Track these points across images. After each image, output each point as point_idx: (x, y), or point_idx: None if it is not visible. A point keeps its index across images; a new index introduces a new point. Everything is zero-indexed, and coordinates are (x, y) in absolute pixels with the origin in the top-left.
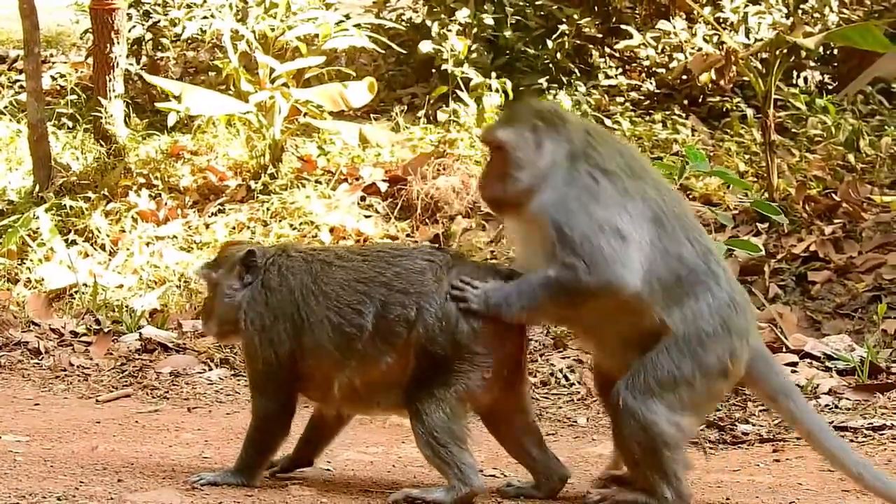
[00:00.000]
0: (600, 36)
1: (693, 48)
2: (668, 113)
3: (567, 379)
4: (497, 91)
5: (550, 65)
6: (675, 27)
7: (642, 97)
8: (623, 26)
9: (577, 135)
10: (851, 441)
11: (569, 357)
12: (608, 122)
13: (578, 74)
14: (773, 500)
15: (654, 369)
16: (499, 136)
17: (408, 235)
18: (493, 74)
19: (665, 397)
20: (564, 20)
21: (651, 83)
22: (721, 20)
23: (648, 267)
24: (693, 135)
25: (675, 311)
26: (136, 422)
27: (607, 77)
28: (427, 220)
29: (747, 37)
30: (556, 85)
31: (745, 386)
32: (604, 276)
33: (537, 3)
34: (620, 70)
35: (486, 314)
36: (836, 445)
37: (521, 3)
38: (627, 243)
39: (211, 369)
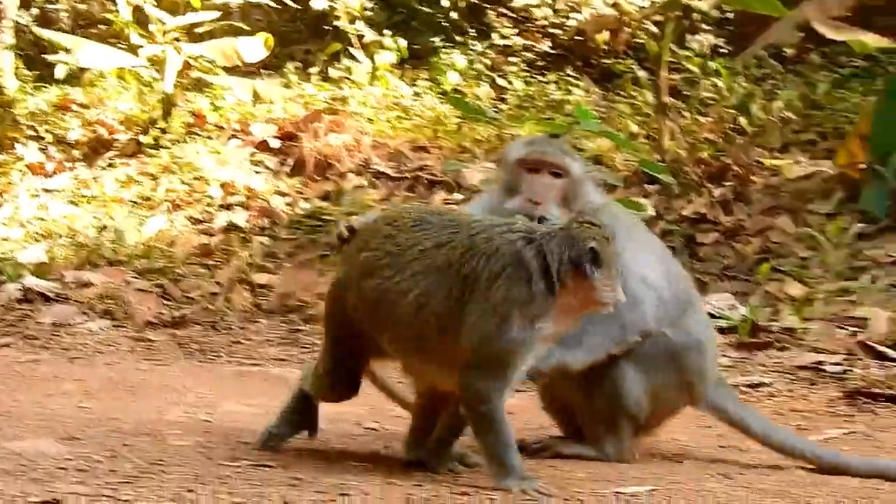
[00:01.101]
0: None
1: (589, 9)
2: (561, 73)
3: None
4: (390, 49)
5: (445, 23)
6: None
7: (536, 57)
8: None
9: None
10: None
11: None
12: (502, 81)
13: (473, 33)
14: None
15: (653, 347)
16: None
17: (298, 192)
18: (387, 32)
19: (651, 374)
20: None
21: (546, 43)
22: None
23: (657, 304)
24: (586, 96)
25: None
26: (16, 371)
27: (502, 37)
28: (318, 177)
29: None
30: (450, 44)
31: None
32: (644, 323)
33: None
34: (515, 30)
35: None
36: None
37: None
38: (651, 289)
39: (92, 320)
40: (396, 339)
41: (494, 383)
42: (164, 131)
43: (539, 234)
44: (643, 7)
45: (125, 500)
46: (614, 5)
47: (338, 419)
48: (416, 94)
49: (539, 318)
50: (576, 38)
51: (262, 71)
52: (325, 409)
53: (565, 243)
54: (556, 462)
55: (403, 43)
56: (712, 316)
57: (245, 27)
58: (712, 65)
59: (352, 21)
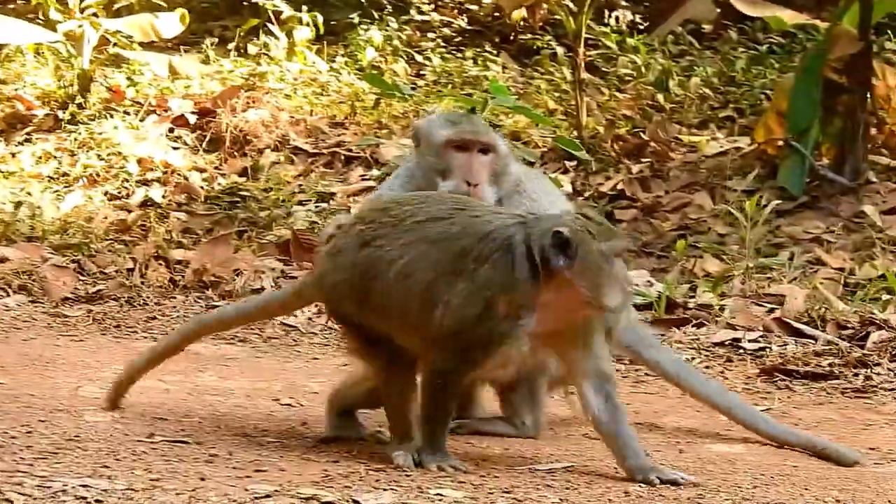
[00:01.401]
0: None
1: None
2: (479, 50)
3: None
4: (308, 24)
5: None
6: None
7: (454, 33)
8: None
9: None
10: (647, 374)
11: None
12: (419, 57)
13: (391, 9)
14: None
15: None
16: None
17: (216, 168)
18: (304, 8)
19: None
20: None
21: (463, 19)
22: None
23: None
24: (503, 72)
25: None
26: None
27: (420, 12)
28: (236, 153)
29: None
30: (367, 20)
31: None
32: None
33: None
34: (433, 6)
35: None
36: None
37: None
38: None
39: (8, 296)
40: (380, 309)
41: (463, 365)
42: (81, 107)
43: (532, 219)
44: None
45: (41, 476)
46: None
47: (255, 395)
48: (334, 70)
49: (522, 310)
50: (493, 14)
51: (179, 47)
52: (242, 384)
53: (548, 228)
54: (473, 439)
55: (321, 19)
56: None
57: (162, 3)
58: (630, 41)
59: None
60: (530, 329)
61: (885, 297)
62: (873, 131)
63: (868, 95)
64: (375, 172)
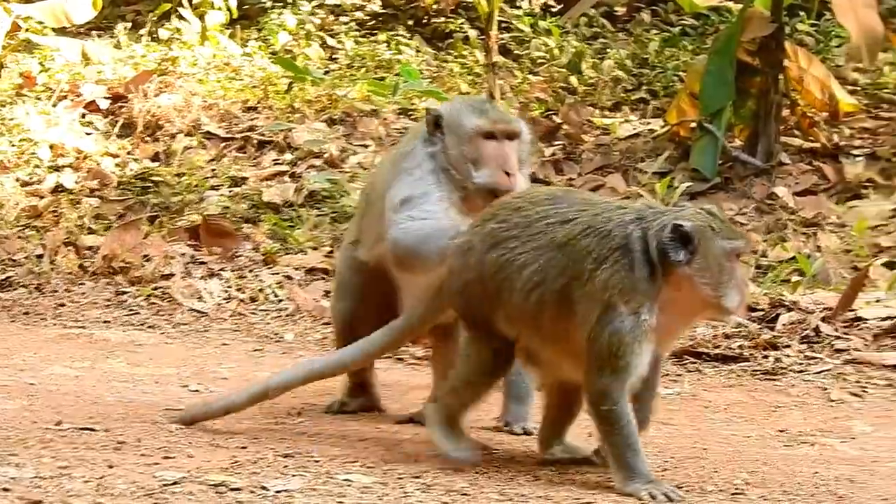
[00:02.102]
0: None
1: None
2: (392, 33)
3: (276, 295)
4: (220, 9)
5: None
6: None
7: (367, 17)
8: None
9: None
10: None
11: (278, 273)
12: (332, 41)
13: None
14: None
15: None
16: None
17: (128, 153)
18: None
19: None
20: None
21: (376, 3)
22: None
23: None
24: (417, 55)
25: None
26: None
27: None
28: (148, 138)
29: None
30: (280, 4)
31: None
32: None
33: None
34: None
35: None
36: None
37: None
38: None
39: None
40: (513, 317)
41: (612, 381)
42: None
43: (651, 213)
44: None
45: None
46: None
47: (164, 381)
48: (247, 54)
49: (643, 307)
50: None
51: (92, 32)
52: (150, 371)
53: (667, 223)
54: (382, 423)
55: (234, 3)
56: None
57: None
58: (543, 24)
59: None
60: (654, 326)
61: (795, 278)
62: (786, 113)
63: (780, 77)
64: (288, 157)
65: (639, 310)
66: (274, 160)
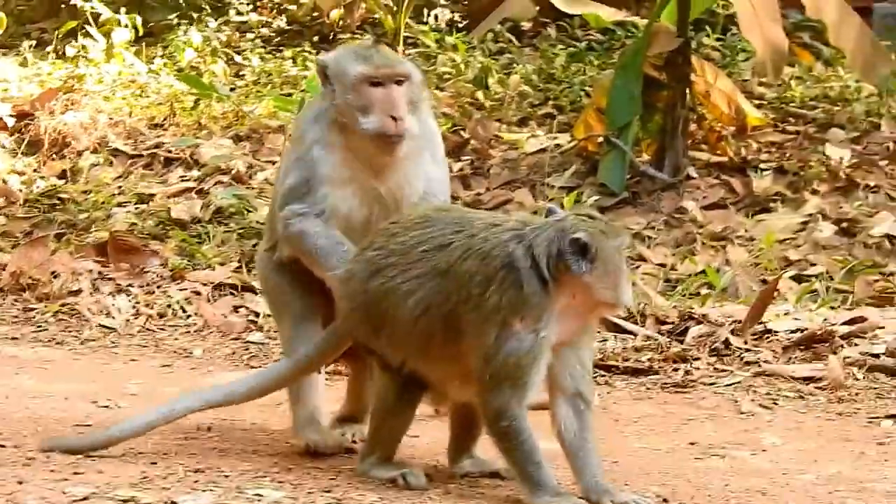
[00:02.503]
0: None
1: None
2: (298, 50)
3: (184, 311)
4: (126, 26)
5: (181, 0)
6: None
7: (273, 34)
8: None
9: None
10: None
11: (186, 289)
12: (239, 58)
13: (209, 10)
14: None
15: None
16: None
17: (34, 171)
18: (123, 10)
19: None
20: None
21: (282, 20)
22: None
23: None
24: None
25: None
26: None
27: (238, 13)
28: (55, 156)
29: None
30: (186, 21)
31: None
32: None
33: None
34: (251, 6)
35: None
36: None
37: None
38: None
39: None
40: (399, 344)
41: (510, 399)
42: None
43: (529, 230)
44: None
45: None
46: None
47: (73, 397)
48: (153, 71)
49: (539, 322)
50: (312, 14)
51: None
52: (60, 387)
53: (554, 236)
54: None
55: (139, 20)
56: None
57: None
58: (449, 39)
59: None
60: (552, 339)
61: (704, 291)
62: (693, 127)
63: (687, 91)
64: (195, 173)
65: (536, 326)
66: (181, 177)
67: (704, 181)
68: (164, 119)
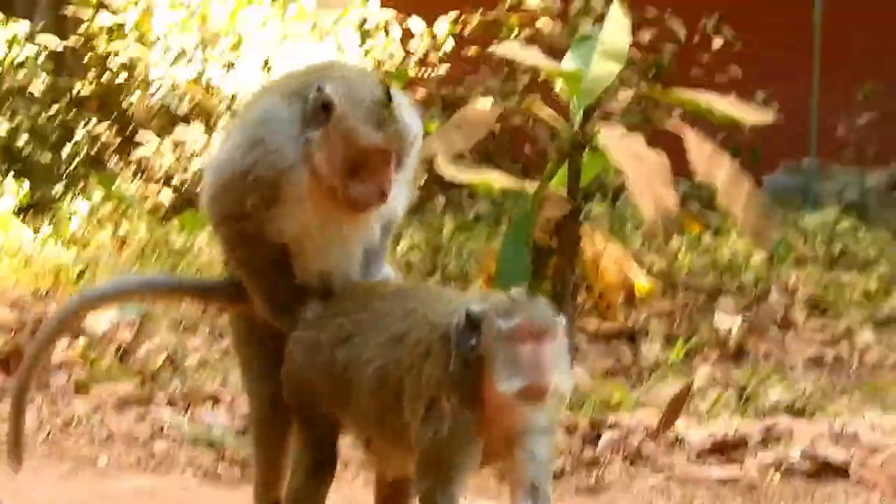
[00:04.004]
0: (118, 143)
1: (210, 155)
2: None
3: (89, 421)
4: (13, 194)
5: (67, 171)
6: (193, 133)
7: (160, 204)
8: (140, 134)
9: None
10: None
11: (91, 403)
12: (126, 227)
13: (96, 182)
14: None
15: None
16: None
17: None
18: (10, 177)
19: None
20: (82, 126)
21: (168, 191)
22: None
23: None
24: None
25: None
26: None
27: (124, 184)
28: None
29: None
30: (72, 191)
31: None
32: None
33: (51, 113)
34: (139, 176)
35: None
36: None
37: (37, 112)
38: None
39: None
40: (359, 417)
41: (436, 479)
42: None
43: (471, 300)
44: None
45: None
46: None
47: None
48: (39, 240)
49: (464, 402)
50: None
51: None
52: None
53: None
54: None
55: (26, 188)
56: None
57: None
58: None
59: None
60: (478, 420)
61: None
62: (583, 295)
63: (577, 258)
64: (81, 342)
65: (459, 406)
66: (62, 349)
67: (593, 348)
68: (49, 289)
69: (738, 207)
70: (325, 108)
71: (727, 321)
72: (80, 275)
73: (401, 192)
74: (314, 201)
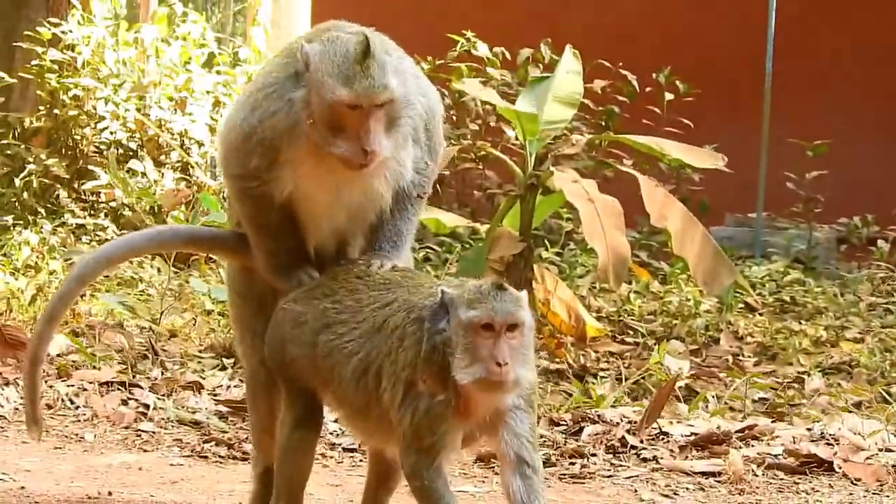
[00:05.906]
0: (67, 177)
1: (163, 188)
2: None
3: (73, 402)
4: None
5: (17, 203)
6: (144, 168)
7: (109, 237)
8: (91, 167)
9: None
10: None
11: (74, 385)
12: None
13: (45, 213)
14: None
15: None
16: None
17: None
18: None
19: None
20: (32, 160)
21: (118, 223)
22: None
23: None
24: (158, 274)
25: None
26: None
27: (74, 216)
28: None
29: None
30: (21, 223)
31: None
32: None
33: (3, 142)
34: (88, 210)
35: None
36: None
37: None
38: None
39: None
40: (341, 399)
41: (419, 458)
42: None
43: (447, 284)
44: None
45: None
46: (184, 181)
47: None
48: None
49: (438, 386)
50: (152, 212)
51: None
52: None
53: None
54: None
55: None
56: None
57: None
58: None
59: None
60: (453, 402)
61: None
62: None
63: (528, 297)
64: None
65: (434, 388)
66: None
67: (543, 387)
68: (1, 314)
69: (691, 253)
70: (305, 65)
71: (676, 364)
72: (32, 301)
73: (407, 155)
74: (313, 162)
